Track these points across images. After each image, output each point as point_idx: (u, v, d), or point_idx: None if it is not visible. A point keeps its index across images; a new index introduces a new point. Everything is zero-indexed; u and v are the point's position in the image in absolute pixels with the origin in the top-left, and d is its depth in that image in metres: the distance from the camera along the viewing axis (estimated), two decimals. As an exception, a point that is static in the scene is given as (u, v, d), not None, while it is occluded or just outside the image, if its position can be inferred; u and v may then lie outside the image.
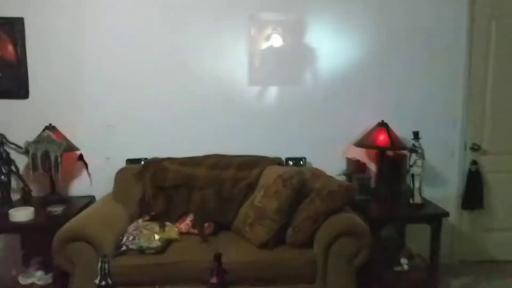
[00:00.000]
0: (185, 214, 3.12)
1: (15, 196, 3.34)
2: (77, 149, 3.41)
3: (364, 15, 3.55)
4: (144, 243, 2.75)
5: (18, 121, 3.39)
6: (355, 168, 3.52)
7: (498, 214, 3.78)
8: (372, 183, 3.53)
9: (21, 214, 2.89)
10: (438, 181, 3.76)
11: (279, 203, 2.80)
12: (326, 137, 3.63)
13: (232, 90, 3.56)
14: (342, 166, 3.64)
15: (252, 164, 3.32)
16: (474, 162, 3.70)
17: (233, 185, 3.20)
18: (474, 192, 3.71)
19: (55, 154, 3.07)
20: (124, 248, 2.73)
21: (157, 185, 3.21)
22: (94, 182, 3.54)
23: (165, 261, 2.67)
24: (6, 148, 3.27)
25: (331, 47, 3.57)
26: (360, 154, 3.63)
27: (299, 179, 2.83)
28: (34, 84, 3.43)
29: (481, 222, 3.79)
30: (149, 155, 3.48)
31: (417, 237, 3.55)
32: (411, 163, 3.18)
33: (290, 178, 2.83)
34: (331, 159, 3.62)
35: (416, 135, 3.18)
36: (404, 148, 3.31)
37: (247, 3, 3.49)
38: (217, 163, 3.35)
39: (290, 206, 2.81)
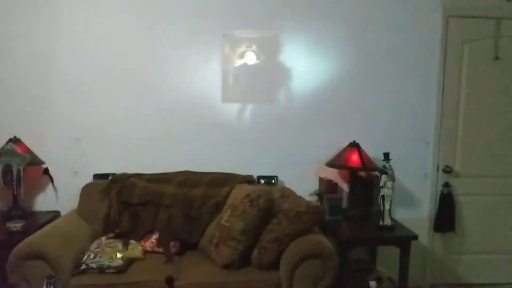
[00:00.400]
0: (151, 232, 3.04)
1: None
2: (42, 162, 3.32)
3: (339, 36, 3.56)
4: (105, 261, 2.67)
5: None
6: (327, 188, 3.49)
7: (470, 237, 3.77)
8: (344, 204, 3.50)
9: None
10: (411, 202, 3.75)
11: (245, 224, 2.74)
12: (299, 156, 3.60)
13: (206, 107, 3.52)
14: (315, 185, 3.61)
15: (222, 182, 3.27)
16: (446, 184, 3.69)
17: (202, 204, 3.14)
18: (446, 214, 3.70)
19: (17, 168, 2.98)
20: (84, 266, 2.64)
21: (123, 201, 3.13)
22: (61, 197, 3.45)
23: (126, 281, 2.58)
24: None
25: (305, 66, 3.56)
26: (333, 174, 3.61)
27: (266, 200, 2.79)
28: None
29: (453, 245, 3.77)
30: (119, 170, 3.41)
31: (390, 259, 3.49)
32: (381, 185, 3.15)
33: (257, 198, 2.78)
34: (304, 178, 3.59)
35: (386, 156, 3.17)
36: (375, 169, 3.29)
37: (221, 21, 3.47)
38: (186, 180, 3.29)
39: (257, 227, 2.76)
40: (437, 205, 3.72)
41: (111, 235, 2.98)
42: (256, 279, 2.64)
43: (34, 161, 3.24)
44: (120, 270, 2.63)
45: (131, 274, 2.64)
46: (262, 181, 3.50)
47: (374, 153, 3.48)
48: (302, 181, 3.57)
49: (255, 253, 2.74)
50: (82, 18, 3.37)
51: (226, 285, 2.61)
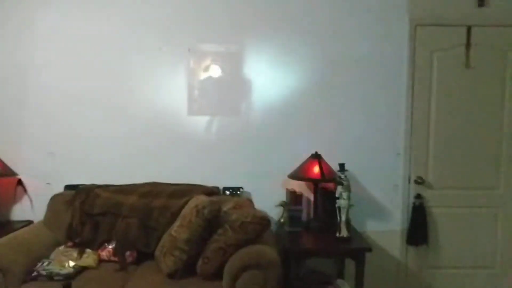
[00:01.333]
0: (108, 241, 3.13)
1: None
2: (15, 174, 3.50)
3: (304, 48, 3.58)
4: (55, 269, 2.78)
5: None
6: (292, 199, 3.50)
7: (445, 250, 3.66)
8: (306, 216, 3.49)
9: None
10: (382, 215, 3.68)
11: (190, 233, 2.79)
12: (266, 168, 3.62)
13: (172, 120, 3.61)
14: (283, 197, 3.61)
15: (184, 193, 3.33)
16: (418, 196, 3.61)
17: (160, 214, 3.21)
18: (418, 227, 3.61)
19: (-16, 180, 3.15)
20: (35, 273, 2.76)
21: (85, 212, 3.24)
22: (36, 207, 3.60)
23: (72, 288, 2.67)
24: None
25: (270, 78, 3.60)
26: (301, 186, 3.60)
27: (211, 210, 2.83)
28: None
29: (427, 259, 3.67)
30: (89, 182, 3.53)
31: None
32: (337, 196, 3.13)
33: (202, 209, 2.83)
34: (271, 190, 3.61)
35: (342, 167, 3.15)
36: (334, 180, 3.27)
37: (187, 35, 3.56)
38: (150, 191, 3.37)
39: (201, 237, 2.80)
40: (409, 217, 3.63)
41: (69, 244, 3.09)
42: (198, 288, 2.68)
43: (7, 172, 3.41)
44: (68, 278, 2.72)
45: (77, 282, 2.72)
46: (228, 192, 3.55)
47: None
48: (270, 193, 3.60)
49: (199, 263, 2.77)
50: (55, 37, 3.55)
51: (168, 294, 2.65)
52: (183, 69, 3.58)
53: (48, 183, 3.59)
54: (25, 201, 3.63)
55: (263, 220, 2.81)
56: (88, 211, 3.24)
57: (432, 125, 3.61)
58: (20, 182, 3.53)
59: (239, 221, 2.79)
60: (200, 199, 3.00)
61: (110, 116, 3.60)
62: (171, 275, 2.75)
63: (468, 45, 3.57)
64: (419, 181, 3.61)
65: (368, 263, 3.55)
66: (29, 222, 3.51)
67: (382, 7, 3.57)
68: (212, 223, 2.85)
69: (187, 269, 2.78)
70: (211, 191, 3.41)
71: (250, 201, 3.28)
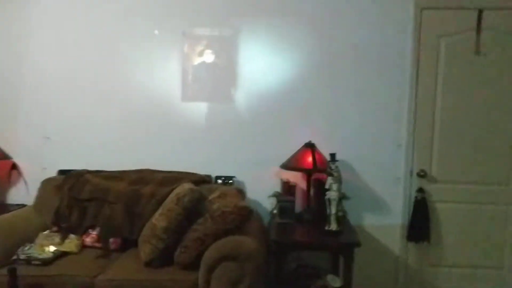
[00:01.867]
0: (93, 227, 3.10)
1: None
2: (9, 157, 3.52)
3: (301, 33, 3.43)
4: (34, 253, 2.76)
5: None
6: (284, 190, 3.37)
7: (447, 248, 3.45)
8: (301, 207, 3.36)
9: None
10: (382, 208, 3.51)
11: (169, 222, 2.72)
12: (260, 157, 3.51)
13: (167, 106, 3.54)
14: (277, 187, 3.49)
15: (173, 181, 3.26)
16: (420, 190, 3.41)
17: (148, 201, 3.15)
18: (420, 222, 3.42)
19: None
20: (15, 257, 2.76)
21: (73, 197, 3.22)
22: (31, 191, 3.61)
23: (50, 273, 2.65)
24: None
25: (266, 64, 3.47)
26: (296, 176, 3.47)
27: (191, 198, 2.75)
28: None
29: (428, 256, 3.48)
30: (84, 167, 3.51)
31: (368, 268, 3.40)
32: (327, 187, 2.98)
33: (182, 197, 2.75)
34: (265, 179, 3.50)
35: (332, 157, 2.99)
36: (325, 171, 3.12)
37: (180, 19, 3.47)
38: (141, 178, 3.32)
39: (180, 225, 2.73)
40: (410, 212, 3.44)
41: (54, 228, 3.08)
42: (173, 278, 2.60)
43: (1, 156, 3.43)
44: (45, 262, 2.71)
45: (53, 267, 2.70)
46: (219, 181, 3.46)
47: (340, 155, 3.32)
48: (264, 182, 3.49)
49: (177, 252, 2.70)
50: (49, 24, 3.53)
51: (143, 283, 2.59)
52: (177, 54, 3.49)
53: (44, 168, 3.59)
54: (21, 184, 3.65)
55: (243, 210, 2.71)
56: (76, 196, 3.22)
57: (438, 115, 3.39)
58: (14, 166, 3.54)
59: (219, 211, 2.70)
60: (183, 187, 2.92)
61: (104, 101, 3.56)
62: (148, 263, 2.69)
63: (478, 29, 3.32)
64: (422, 174, 3.41)
65: (365, 258, 3.44)
66: (23, 206, 3.53)
67: (385, -11, 3.37)
68: (193, 212, 2.78)
69: (165, 258, 2.72)
70: (202, 179, 3.33)
71: (240, 191, 3.17)
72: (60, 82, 3.56)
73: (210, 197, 2.92)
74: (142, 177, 3.33)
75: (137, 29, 3.49)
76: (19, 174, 3.60)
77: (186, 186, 2.96)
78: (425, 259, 3.48)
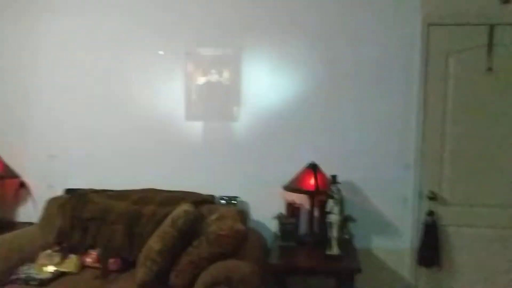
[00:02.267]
0: (94, 247, 3.10)
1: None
2: (16, 176, 3.59)
3: (304, 51, 3.38)
4: (33, 273, 2.78)
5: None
6: (289, 211, 3.30)
7: (460, 274, 3.29)
8: (305, 229, 3.28)
9: None
10: (390, 231, 3.38)
11: (163, 244, 2.69)
12: (264, 176, 3.45)
13: (171, 125, 3.54)
14: (283, 207, 3.42)
15: (175, 201, 3.22)
16: (430, 213, 3.27)
17: (148, 221, 3.13)
18: (430, 246, 3.27)
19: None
20: (14, 277, 2.78)
21: (75, 216, 3.23)
22: (39, 209, 3.65)
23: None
24: None
25: (268, 83, 3.43)
26: (302, 196, 3.38)
27: (186, 220, 2.71)
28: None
29: (440, 283, 3.32)
30: (89, 186, 3.53)
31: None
32: (328, 210, 2.89)
33: (177, 219, 2.72)
34: (270, 199, 3.43)
35: (334, 178, 2.90)
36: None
37: (184, 39, 3.48)
38: (143, 197, 3.31)
39: (175, 248, 2.68)
40: (420, 236, 3.30)
41: (56, 248, 3.09)
42: (167, 302, 2.56)
43: (9, 174, 3.50)
44: (42, 283, 2.72)
45: (53, 287, 2.70)
46: (223, 202, 3.42)
47: (345, 176, 3.25)
48: (269, 203, 3.43)
49: (172, 275, 2.66)
50: (56, 41, 3.60)
51: (136, 306, 2.57)
52: (180, 73, 3.50)
53: (51, 186, 3.64)
54: (29, 203, 3.70)
55: (239, 234, 2.65)
56: (79, 216, 3.23)
57: (448, 135, 3.26)
58: (22, 184, 3.60)
59: (215, 234, 2.65)
60: (179, 209, 2.88)
61: (109, 121, 3.60)
62: (142, 286, 2.66)
63: (490, 46, 3.19)
64: (432, 196, 3.27)
65: (373, 283, 3.32)
66: (31, 224, 3.57)
67: (390, 4, 3.28)
68: (188, 233, 2.74)
69: (160, 281, 2.67)
70: (205, 199, 3.29)
71: (241, 212, 3.11)
72: (66, 101, 3.62)
73: (208, 219, 2.88)
74: (144, 196, 3.32)
75: (142, 49, 3.52)
76: (27, 192, 3.65)
77: (183, 207, 2.92)
78: (437, 285, 3.32)
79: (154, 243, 2.74)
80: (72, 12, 3.57)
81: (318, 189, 3.05)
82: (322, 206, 3.18)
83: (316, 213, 3.25)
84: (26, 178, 3.67)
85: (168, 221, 2.79)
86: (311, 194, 3.16)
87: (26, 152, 3.67)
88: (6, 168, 3.51)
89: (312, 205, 3.22)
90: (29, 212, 3.69)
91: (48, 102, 3.64)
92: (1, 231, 3.21)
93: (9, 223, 3.57)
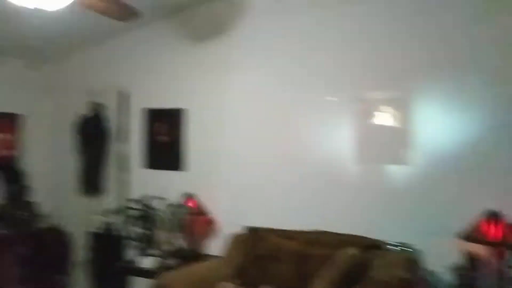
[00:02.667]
0: (266, 283, 3.29)
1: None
2: (205, 214, 4.08)
3: (480, 88, 3.12)
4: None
5: (173, 188, 4.29)
6: (469, 263, 2.99)
7: None
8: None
9: (146, 261, 3.70)
10: None
11: (324, 287, 2.72)
12: (440, 223, 3.20)
13: (340, 168, 3.62)
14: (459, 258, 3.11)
15: (343, 244, 3.22)
16: None
17: (317, 263, 3.20)
18: None
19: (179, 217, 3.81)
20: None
21: (253, 253, 3.51)
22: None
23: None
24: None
25: (441, 124, 3.26)
26: (486, 247, 3.03)
27: (349, 265, 2.73)
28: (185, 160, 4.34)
29: None
30: (267, 224, 3.79)
31: None
32: (510, 264, 2.53)
33: (341, 262, 2.74)
34: (447, 249, 3.15)
35: (518, 230, 2.54)
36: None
37: (353, 83, 3.58)
38: (313, 238, 3.41)
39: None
40: None
41: (237, 281, 3.39)
42: None
43: (202, 212, 4.03)
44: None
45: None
46: (396, 248, 3.29)
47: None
48: (445, 252, 3.15)
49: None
50: (239, 98, 4.08)
51: None
52: (349, 118, 3.58)
53: (236, 223, 4.02)
54: (218, 237, 4.15)
55: (403, 283, 2.52)
56: (255, 253, 3.50)
57: None
58: (211, 221, 4.09)
59: (377, 280, 2.58)
60: (345, 252, 2.89)
61: (284, 166, 3.85)
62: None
63: None
64: None
65: None
66: (216, 257, 4.00)
67: None
68: (353, 278, 2.71)
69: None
70: (373, 244, 3.23)
71: (410, 260, 2.95)
72: (249, 151, 4.01)
73: (374, 264, 2.82)
74: (313, 237, 3.43)
75: (311, 96, 3.74)
76: (215, 228, 4.12)
77: (350, 251, 2.92)
78: None
79: (318, 285, 2.80)
80: (251, 71, 4.01)
81: (505, 241, 2.69)
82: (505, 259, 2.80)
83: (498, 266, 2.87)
84: (215, 215, 4.14)
85: (334, 264, 2.81)
86: (493, 246, 2.81)
87: (215, 192, 4.16)
88: (200, 206, 4.04)
89: (498, 260, 2.85)
90: (218, 246, 4.12)
91: (234, 150, 4.09)
92: (191, 261, 3.69)
93: (199, 255, 4.05)
